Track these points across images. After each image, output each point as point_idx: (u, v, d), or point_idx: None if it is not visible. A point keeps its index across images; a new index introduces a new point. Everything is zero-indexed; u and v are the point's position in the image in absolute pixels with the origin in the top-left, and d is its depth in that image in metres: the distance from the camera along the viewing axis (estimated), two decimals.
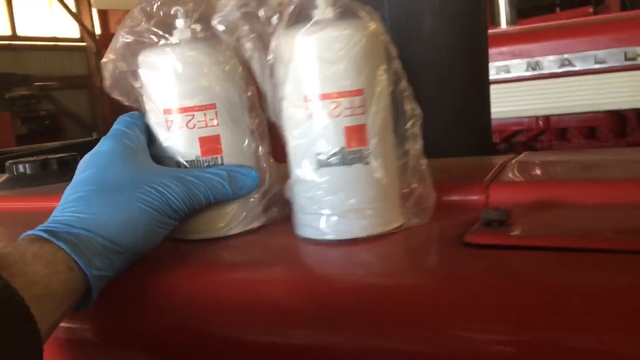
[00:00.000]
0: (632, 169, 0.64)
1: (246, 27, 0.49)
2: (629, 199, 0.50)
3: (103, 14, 5.87)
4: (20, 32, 8.43)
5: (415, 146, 0.52)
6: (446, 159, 0.76)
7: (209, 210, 0.53)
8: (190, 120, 0.53)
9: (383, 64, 0.49)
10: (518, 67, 2.08)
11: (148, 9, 0.54)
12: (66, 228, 0.45)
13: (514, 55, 2.08)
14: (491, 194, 0.55)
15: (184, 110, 0.53)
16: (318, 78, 0.47)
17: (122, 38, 0.53)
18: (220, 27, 0.48)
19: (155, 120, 0.54)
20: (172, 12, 0.53)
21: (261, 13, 0.48)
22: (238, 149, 0.55)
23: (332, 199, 0.48)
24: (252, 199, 0.55)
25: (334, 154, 0.47)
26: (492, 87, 0.91)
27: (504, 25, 2.50)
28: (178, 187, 0.49)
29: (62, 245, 0.43)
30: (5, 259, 0.41)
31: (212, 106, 0.53)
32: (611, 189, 0.53)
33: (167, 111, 0.53)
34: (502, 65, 2.09)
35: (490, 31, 1.05)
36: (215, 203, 0.52)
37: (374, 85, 0.48)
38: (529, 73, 2.07)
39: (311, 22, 0.47)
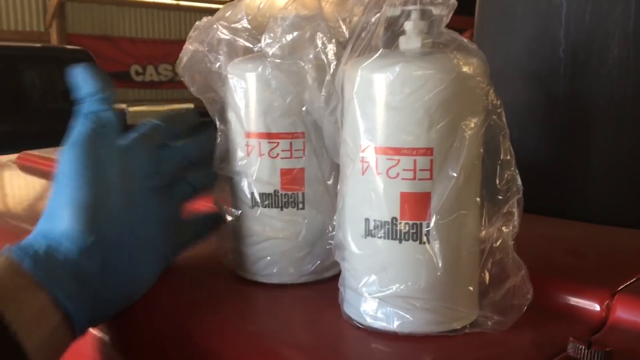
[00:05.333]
0: None
1: (310, 50, 0.40)
2: None
3: None
4: None
5: (510, 224, 0.39)
6: (606, 230, 0.59)
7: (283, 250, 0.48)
8: (273, 149, 0.47)
9: (474, 117, 0.37)
10: None
11: (250, 10, 0.48)
12: None
13: None
14: (617, 307, 0.40)
15: (269, 136, 0.47)
16: (376, 127, 0.37)
17: (219, 33, 0.47)
18: (270, 50, 0.40)
19: (233, 137, 0.49)
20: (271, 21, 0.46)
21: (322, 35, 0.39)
22: (322, 186, 0.47)
23: (374, 279, 0.38)
24: (328, 246, 0.47)
25: (382, 224, 0.37)
26: None
27: None
28: None
29: None
30: None
31: (301, 135, 0.46)
32: None
33: (248, 134, 0.47)
34: None
35: None
36: (289, 244, 0.48)
37: (452, 145, 0.36)
38: None
39: (378, 54, 0.37)
